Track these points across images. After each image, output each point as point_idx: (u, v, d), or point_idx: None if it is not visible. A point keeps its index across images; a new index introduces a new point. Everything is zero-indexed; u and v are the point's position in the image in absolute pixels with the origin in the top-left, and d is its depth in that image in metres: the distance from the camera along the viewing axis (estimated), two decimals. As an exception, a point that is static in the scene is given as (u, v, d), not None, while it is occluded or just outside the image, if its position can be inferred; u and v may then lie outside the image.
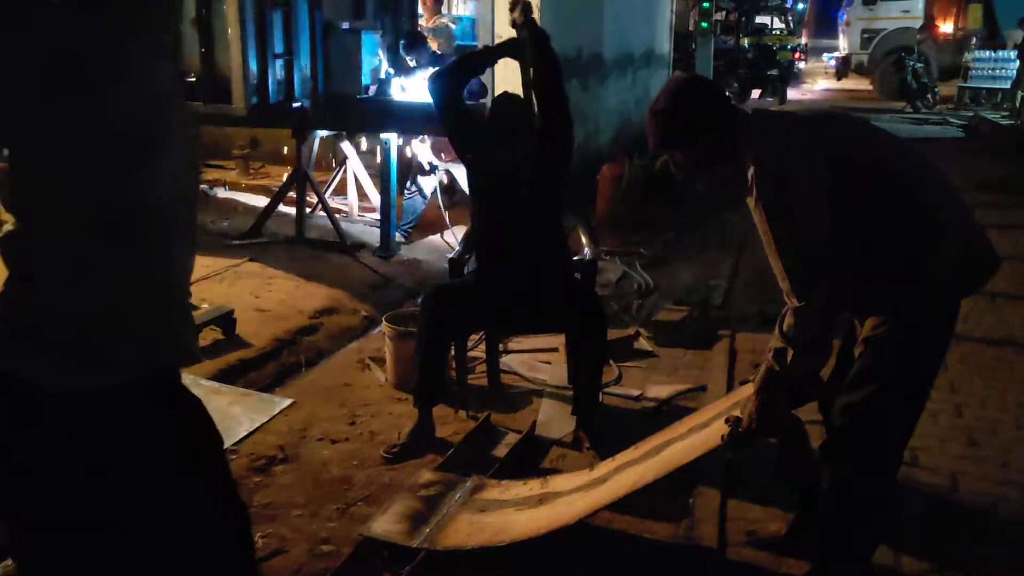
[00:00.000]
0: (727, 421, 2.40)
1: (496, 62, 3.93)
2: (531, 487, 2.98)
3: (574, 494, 2.81)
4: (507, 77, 7.28)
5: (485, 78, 6.99)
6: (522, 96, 3.68)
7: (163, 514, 1.55)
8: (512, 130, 3.58)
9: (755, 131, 2.29)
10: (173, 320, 1.55)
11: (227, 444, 3.38)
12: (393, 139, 6.09)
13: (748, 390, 2.44)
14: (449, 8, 9.93)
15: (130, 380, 1.48)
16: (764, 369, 2.33)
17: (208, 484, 1.65)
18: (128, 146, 1.41)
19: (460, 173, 6.48)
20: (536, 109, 3.61)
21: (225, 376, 4.01)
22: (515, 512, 2.82)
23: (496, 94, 3.79)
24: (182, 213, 1.54)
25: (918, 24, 19.30)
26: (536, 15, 7.48)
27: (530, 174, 3.54)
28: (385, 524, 2.81)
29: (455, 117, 3.71)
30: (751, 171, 2.21)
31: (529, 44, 3.61)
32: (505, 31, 7.38)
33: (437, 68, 3.87)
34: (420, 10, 7.44)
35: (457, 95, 3.74)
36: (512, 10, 3.62)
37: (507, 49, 3.76)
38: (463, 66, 3.79)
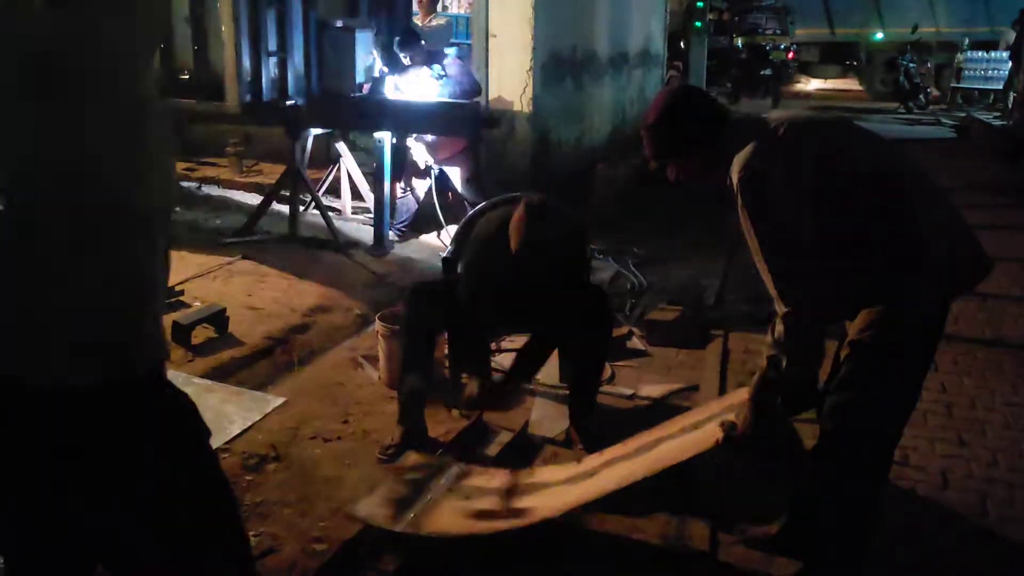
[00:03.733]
0: (721, 426, 2.41)
1: None
2: (517, 476, 2.99)
3: (561, 486, 2.82)
4: (500, 76, 7.31)
5: (480, 76, 7.01)
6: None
7: (160, 505, 1.56)
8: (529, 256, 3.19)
9: (742, 137, 2.30)
10: (147, 322, 1.55)
11: (219, 443, 3.40)
12: (387, 138, 6.09)
13: (742, 394, 2.46)
14: (443, 6, 9.93)
15: (114, 378, 1.49)
16: (759, 376, 2.35)
17: (197, 477, 1.65)
18: (108, 152, 1.39)
19: (454, 173, 6.48)
20: None
21: (217, 374, 4.01)
22: (500, 501, 2.83)
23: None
24: (158, 220, 1.53)
25: None
26: (531, 14, 7.52)
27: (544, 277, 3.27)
28: (370, 507, 2.82)
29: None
30: (736, 176, 2.24)
31: None
32: (500, 29, 7.41)
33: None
34: (415, 8, 7.43)
35: None
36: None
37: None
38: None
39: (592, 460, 2.95)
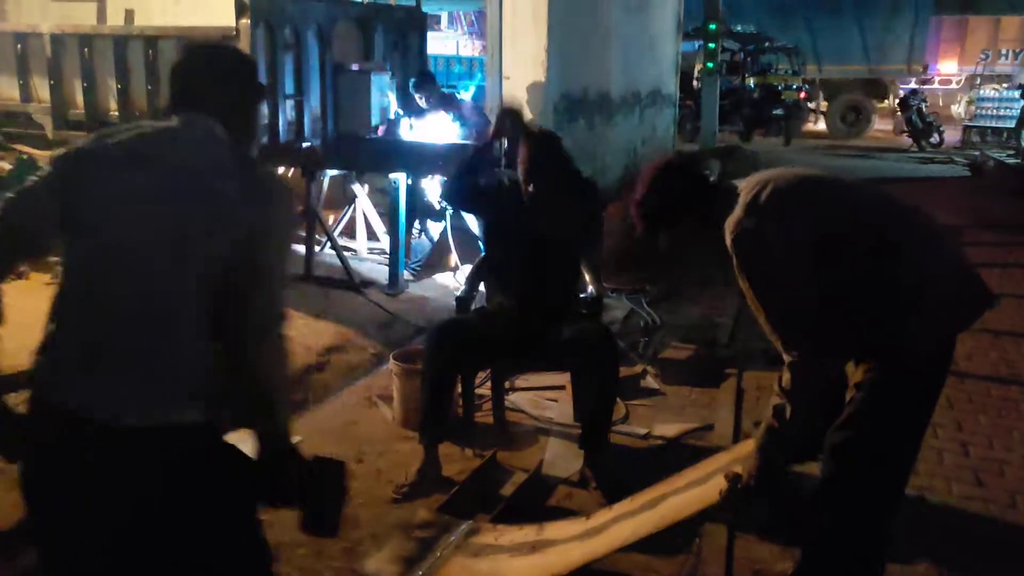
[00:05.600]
0: (726, 477, 2.41)
1: (495, 148, 4.10)
2: (526, 533, 2.97)
3: (569, 543, 2.81)
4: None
5: (493, 118, 7.08)
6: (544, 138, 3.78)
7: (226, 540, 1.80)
8: (541, 182, 3.67)
9: (731, 202, 2.35)
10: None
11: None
12: (402, 179, 6.16)
13: (750, 445, 2.45)
14: (457, 49, 10.03)
15: (210, 420, 1.79)
16: (764, 427, 2.35)
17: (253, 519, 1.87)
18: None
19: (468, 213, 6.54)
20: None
21: (233, 413, 4.02)
22: (509, 559, 2.82)
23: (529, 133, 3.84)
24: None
25: None
26: (544, 57, 7.61)
27: (557, 225, 3.67)
28: (379, 563, 2.83)
29: (477, 209, 4.15)
30: (729, 237, 2.29)
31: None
32: (513, 71, 7.51)
33: (446, 187, 4.31)
34: None
35: (472, 197, 3.98)
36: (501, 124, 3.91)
37: (502, 130, 3.99)
38: (465, 172, 3.94)
39: (602, 515, 2.94)
